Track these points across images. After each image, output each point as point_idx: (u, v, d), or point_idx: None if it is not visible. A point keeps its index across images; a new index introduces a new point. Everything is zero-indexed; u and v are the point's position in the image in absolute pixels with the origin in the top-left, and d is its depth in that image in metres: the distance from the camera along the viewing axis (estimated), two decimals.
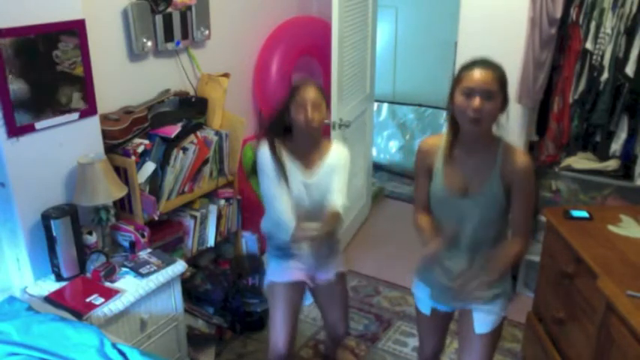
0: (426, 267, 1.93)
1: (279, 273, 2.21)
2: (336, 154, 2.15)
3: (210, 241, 2.87)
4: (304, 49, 3.47)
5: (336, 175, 2.12)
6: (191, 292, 2.78)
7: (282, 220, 2.07)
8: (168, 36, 2.67)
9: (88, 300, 2.06)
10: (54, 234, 2.13)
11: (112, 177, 2.26)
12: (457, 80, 1.73)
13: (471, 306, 1.90)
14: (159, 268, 2.28)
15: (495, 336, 1.94)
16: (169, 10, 2.63)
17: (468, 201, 1.78)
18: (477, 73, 1.67)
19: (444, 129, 1.88)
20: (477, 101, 1.65)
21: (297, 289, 2.23)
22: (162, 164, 2.51)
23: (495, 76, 1.68)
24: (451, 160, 1.81)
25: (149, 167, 2.45)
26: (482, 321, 1.89)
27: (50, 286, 2.18)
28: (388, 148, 5.17)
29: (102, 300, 2.06)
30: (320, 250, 2.14)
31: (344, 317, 2.39)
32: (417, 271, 2.00)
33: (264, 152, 2.09)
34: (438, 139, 1.87)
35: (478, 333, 1.89)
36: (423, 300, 2.02)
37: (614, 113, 2.68)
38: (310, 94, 2.03)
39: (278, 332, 2.17)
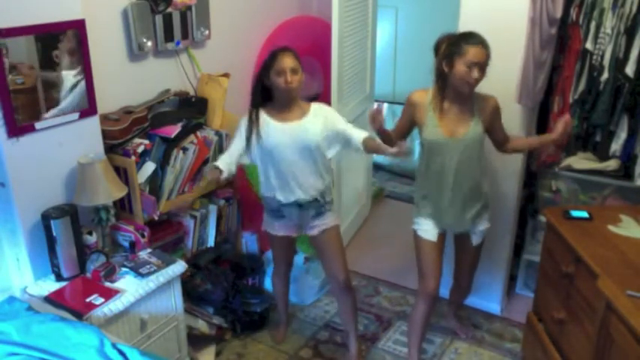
0: (427, 205, 2.46)
1: (271, 227, 2.58)
2: (318, 107, 2.42)
3: (210, 241, 2.87)
4: (304, 49, 3.46)
5: (334, 124, 2.37)
6: (191, 292, 2.78)
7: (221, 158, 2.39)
8: (168, 36, 2.67)
9: (88, 300, 2.06)
10: (54, 234, 2.13)
11: (112, 177, 2.26)
12: (460, 52, 2.17)
13: (467, 229, 2.51)
14: (159, 268, 2.28)
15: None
16: (169, 10, 2.63)
17: (455, 141, 2.30)
18: (479, 51, 2.15)
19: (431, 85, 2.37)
20: (476, 73, 2.16)
21: (288, 238, 2.61)
22: (163, 164, 2.51)
23: (488, 52, 2.19)
24: (440, 109, 2.31)
25: (149, 167, 2.45)
26: (478, 236, 2.56)
27: (50, 286, 2.18)
28: None
29: (102, 300, 2.06)
30: (306, 214, 2.46)
31: (341, 266, 2.58)
32: (420, 212, 2.49)
33: (243, 119, 2.42)
34: (425, 94, 2.37)
35: (475, 245, 2.57)
36: (430, 230, 2.46)
37: (614, 113, 2.68)
38: (288, 60, 2.27)
39: (275, 265, 2.79)
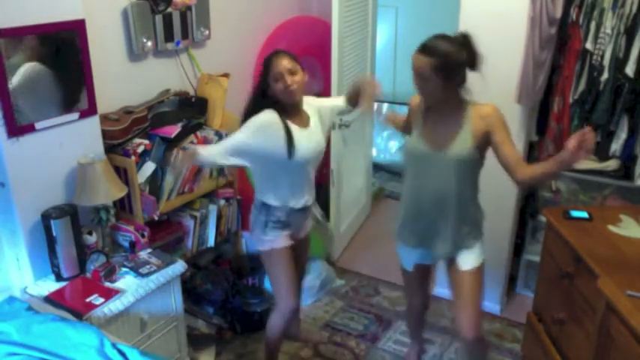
0: (403, 230, 2.25)
1: (277, 241, 2.29)
2: (308, 105, 2.27)
3: (210, 241, 2.87)
4: (304, 49, 3.47)
5: (324, 110, 2.33)
6: (191, 292, 2.79)
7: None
8: (169, 36, 2.67)
9: (88, 300, 2.06)
10: (54, 234, 2.13)
11: (112, 177, 2.26)
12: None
13: (454, 254, 2.14)
14: (159, 268, 2.28)
15: (480, 273, 2.15)
16: (169, 10, 2.63)
17: (440, 155, 1.99)
18: (414, 59, 1.91)
19: None
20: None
21: (290, 249, 2.35)
22: (162, 164, 2.51)
23: (428, 62, 1.87)
24: (427, 119, 2.06)
25: (149, 167, 2.45)
26: (467, 260, 2.12)
27: (50, 286, 2.18)
28: (388, 148, 5.17)
29: (102, 300, 2.06)
30: (303, 216, 2.38)
31: (307, 267, 2.73)
32: (397, 235, 2.28)
33: (271, 119, 2.12)
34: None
35: (464, 270, 2.12)
36: (407, 259, 2.31)
37: (614, 113, 2.67)
38: (284, 61, 2.11)
39: (288, 291, 2.35)
